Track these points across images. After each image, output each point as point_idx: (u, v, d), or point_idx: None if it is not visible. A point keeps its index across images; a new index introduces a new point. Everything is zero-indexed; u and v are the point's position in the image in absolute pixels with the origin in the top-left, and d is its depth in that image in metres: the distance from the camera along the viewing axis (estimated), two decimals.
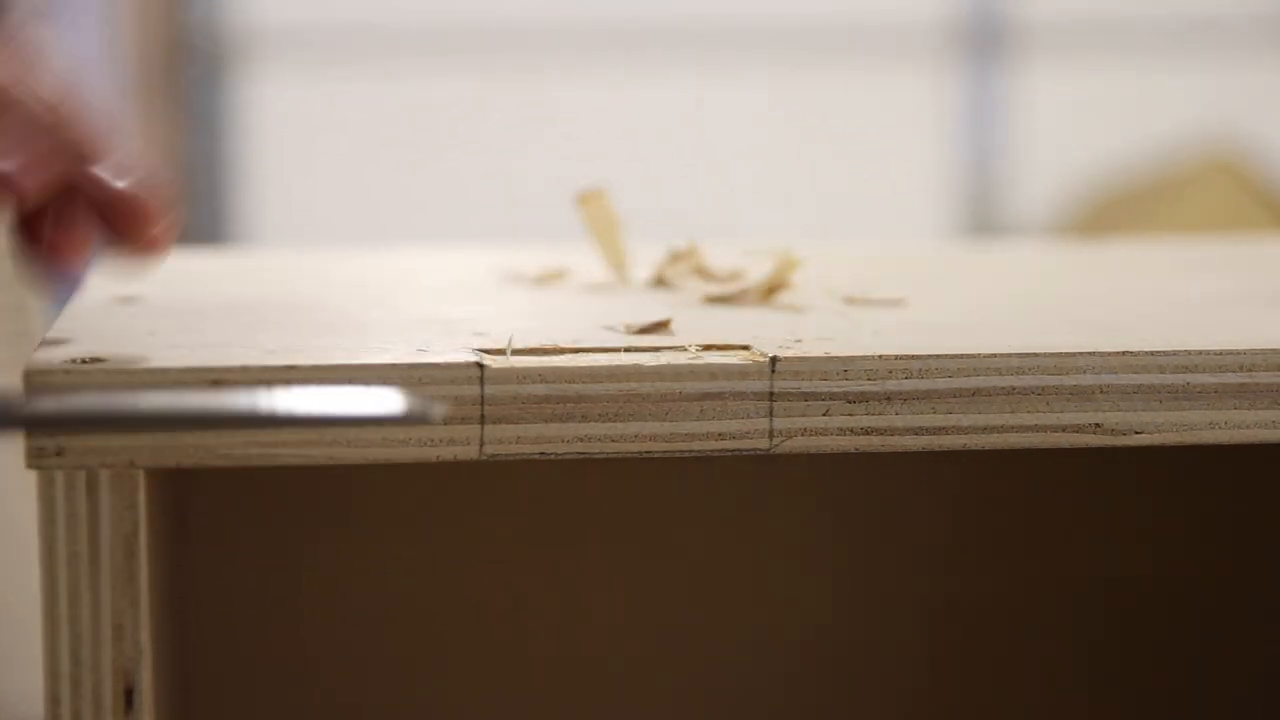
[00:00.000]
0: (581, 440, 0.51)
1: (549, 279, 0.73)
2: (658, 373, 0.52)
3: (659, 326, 0.58)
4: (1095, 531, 0.80)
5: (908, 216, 3.12)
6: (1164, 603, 0.81)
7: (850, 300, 0.65)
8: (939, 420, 0.52)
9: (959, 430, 0.53)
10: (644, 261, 0.72)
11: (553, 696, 0.79)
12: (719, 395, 0.52)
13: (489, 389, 0.51)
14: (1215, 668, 0.82)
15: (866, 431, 0.52)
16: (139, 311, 0.61)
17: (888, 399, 0.52)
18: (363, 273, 0.76)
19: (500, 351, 0.52)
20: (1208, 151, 2.88)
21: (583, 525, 0.78)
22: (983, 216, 3.12)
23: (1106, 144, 3.02)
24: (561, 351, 0.53)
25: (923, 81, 3.08)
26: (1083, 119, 3.10)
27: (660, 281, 0.70)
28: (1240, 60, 3.11)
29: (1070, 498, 0.80)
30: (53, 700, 0.50)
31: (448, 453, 0.51)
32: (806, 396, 0.52)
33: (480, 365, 0.51)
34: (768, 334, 0.56)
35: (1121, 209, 2.89)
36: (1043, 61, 3.07)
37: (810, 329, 0.58)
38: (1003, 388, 0.53)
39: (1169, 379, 0.53)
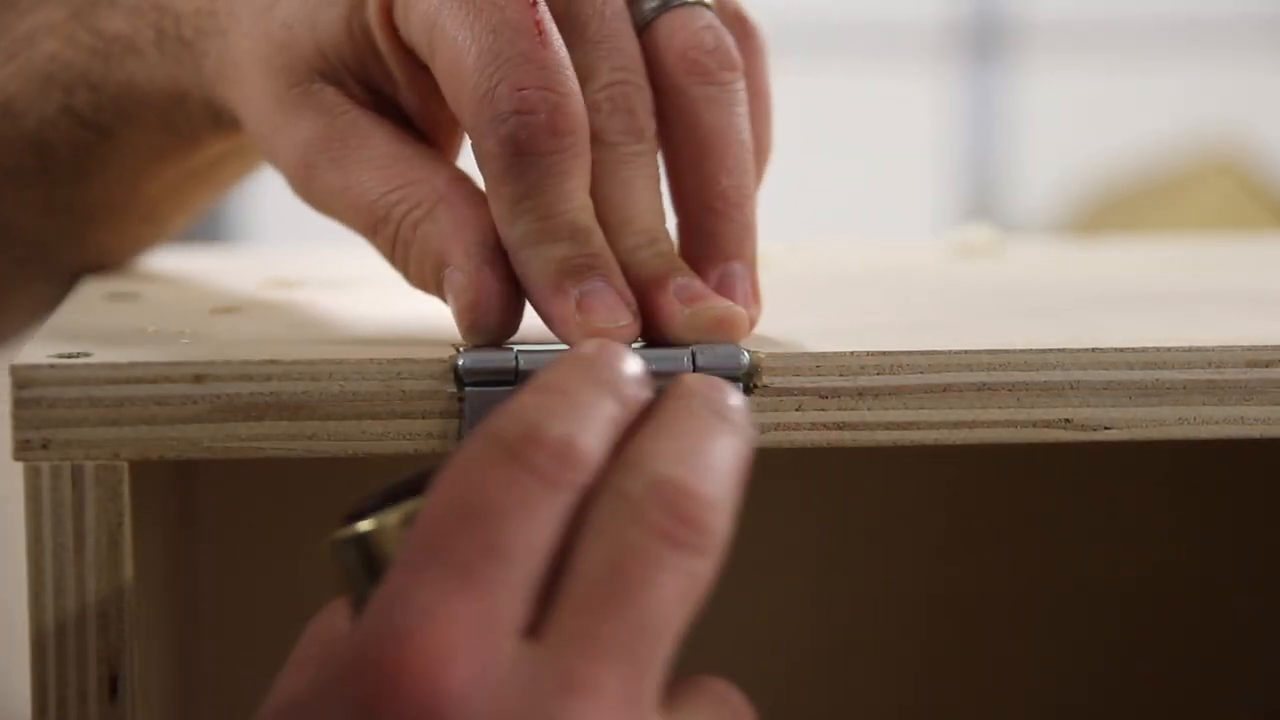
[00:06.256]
0: None
1: None
2: None
3: None
4: (1092, 530, 0.81)
5: (908, 216, 3.13)
6: (1158, 602, 0.81)
7: (826, 297, 0.66)
8: (910, 415, 0.53)
9: (930, 425, 0.53)
10: None
11: None
12: None
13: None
14: (1214, 669, 0.82)
15: (839, 426, 0.53)
16: (132, 308, 0.62)
17: (859, 394, 0.53)
18: (364, 270, 0.76)
19: None
20: (1207, 151, 2.88)
21: None
22: (983, 216, 3.12)
23: (1107, 144, 3.02)
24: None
25: (923, 81, 3.09)
26: (1083, 119, 3.10)
27: None
28: (1240, 60, 3.11)
29: (1066, 496, 0.80)
30: (39, 688, 0.50)
31: (426, 446, 0.52)
32: (780, 392, 0.53)
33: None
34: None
35: (1121, 209, 2.89)
36: (1043, 61, 3.08)
37: (785, 326, 0.58)
38: (973, 384, 0.54)
39: (1137, 375, 0.54)
